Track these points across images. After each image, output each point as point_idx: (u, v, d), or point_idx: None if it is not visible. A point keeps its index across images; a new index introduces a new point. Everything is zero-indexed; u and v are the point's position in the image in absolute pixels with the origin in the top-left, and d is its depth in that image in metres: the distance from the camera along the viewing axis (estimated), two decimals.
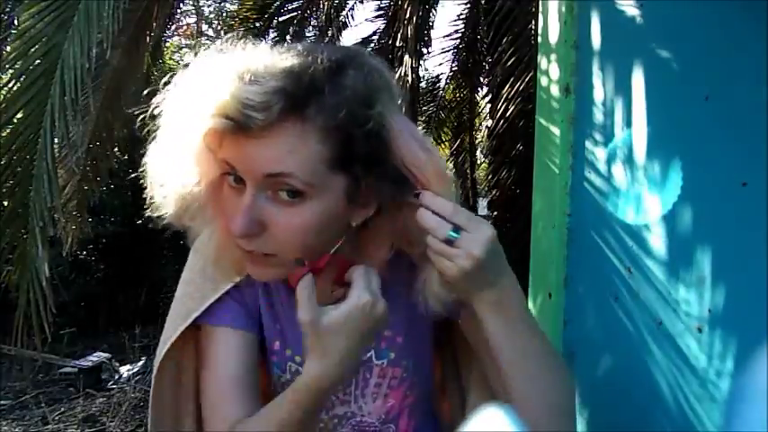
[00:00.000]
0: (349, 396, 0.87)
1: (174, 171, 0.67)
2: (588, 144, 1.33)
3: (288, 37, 5.47)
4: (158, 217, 0.71)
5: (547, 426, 0.73)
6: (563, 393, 0.77)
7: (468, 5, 5.65)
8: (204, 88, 0.61)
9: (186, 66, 0.66)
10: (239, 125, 0.59)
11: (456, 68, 6.31)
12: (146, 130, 0.68)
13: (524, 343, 0.72)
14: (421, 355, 0.88)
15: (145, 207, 0.72)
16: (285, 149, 0.61)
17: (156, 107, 0.67)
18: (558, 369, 0.77)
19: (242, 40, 0.67)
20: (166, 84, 0.67)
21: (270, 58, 0.62)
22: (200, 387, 0.83)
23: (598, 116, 1.31)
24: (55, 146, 2.59)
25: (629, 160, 1.22)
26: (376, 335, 0.82)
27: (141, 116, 0.68)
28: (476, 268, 0.65)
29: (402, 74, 4.00)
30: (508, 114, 3.93)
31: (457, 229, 0.65)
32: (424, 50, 5.21)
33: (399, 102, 0.69)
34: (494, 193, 4.50)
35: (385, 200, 0.69)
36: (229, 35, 0.67)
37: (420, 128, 6.60)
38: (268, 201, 0.64)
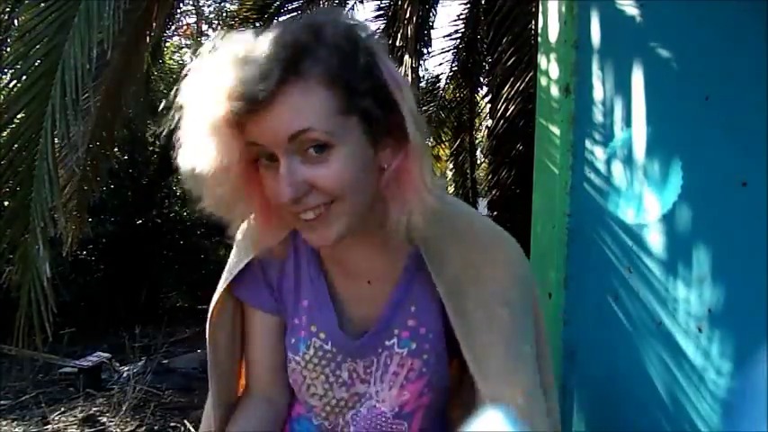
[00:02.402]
0: (369, 376, 0.89)
1: (203, 164, 0.70)
2: (588, 144, 1.34)
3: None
4: (199, 209, 0.75)
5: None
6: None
7: (468, 5, 5.65)
8: (208, 80, 0.66)
9: (190, 62, 0.71)
10: (247, 101, 0.64)
11: (456, 68, 6.30)
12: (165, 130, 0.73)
13: None
14: (441, 352, 0.88)
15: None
16: (296, 108, 0.65)
17: (174, 111, 0.71)
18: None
19: (230, 32, 0.71)
20: (175, 83, 0.71)
21: (255, 38, 0.67)
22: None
23: (598, 116, 1.31)
24: (55, 146, 2.59)
25: (629, 160, 1.23)
26: (400, 323, 0.85)
27: (165, 126, 0.72)
28: None
29: (402, 74, 4.00)
30: (508, 114, 3.93)
31: None
32: (424, 50, 5.21)
33: (380, 45, 0.72)
34: (494, 193, 4.49)
35: (404, 140, 0.72)
36: (218, 32, 0.72)
37: None
38: (302, 163, 0.68)
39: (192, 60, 0.71)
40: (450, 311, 0.79)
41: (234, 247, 0.90)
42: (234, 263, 0.89)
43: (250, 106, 0.64)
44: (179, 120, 0.71)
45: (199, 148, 0.69)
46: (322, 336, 0.87)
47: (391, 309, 0.85)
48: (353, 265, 0.85)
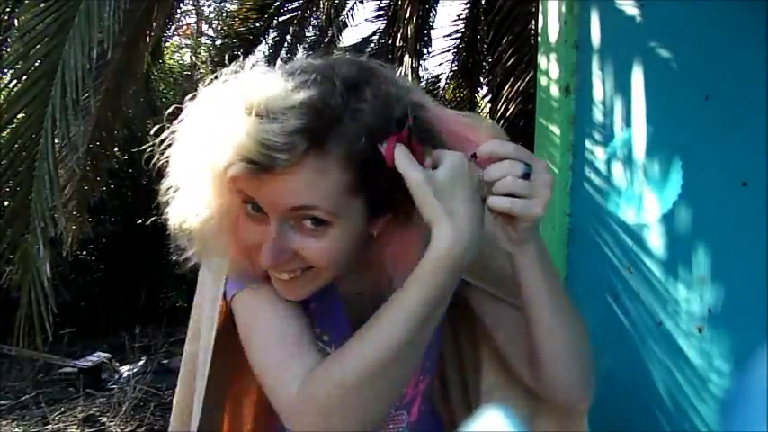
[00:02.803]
0: None
1: (193, 211, 0.66)
2: (588, 144, 1.34)
3: (288, 37, 5.48)
4: (185, 260, 0.71)
5: (577, 382, 0.82)
6: (588, 349, 0.83)
7: (468, 5, 5.65)
8: (220, 128, 0.59)
9: (193, 98, 0.64)
10: (262, 166, 0.59)
11: (456, 68, 6.30)
12: (153, 161, 0.67)
13: (559, 297, 0.75)
14: (436, 336, 0.88)
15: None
16: (308, 184, 0.61)
17: (165, 140, 0.66)
18: (581, 323, 0.81)
19: (246, 64, 0.65)
20: (172, 116, 0.66)
21: (283, 88, 0.60)
22: (251, 363, 0.73)
23: (598, 116, 1.31)
24: (55, 146, 2.59)
25: (629, 160, 1.23)
26: None
27: (150, 148, 0.67)
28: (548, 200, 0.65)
29: (402, 74, 4.00)
30: (508, 114, 3.93)
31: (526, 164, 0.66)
32: (424, 50, 5.21)
33: (414, 96, 0.68)
34: None
35: (399, 204, 0.68)
36: (234, 64, 0.65)
37: None
38: (292, 229, 0.65)
39: (198, 84, 0.64)
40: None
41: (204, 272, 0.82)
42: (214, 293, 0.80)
43: (263, 172, 0.59)
44: (177, 150, 0.65)
45: (195, 199, 0.65)
46: (325, 338, 0.86)
47: None
48: (358, 289, 0.84)
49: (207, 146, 0.60)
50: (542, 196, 0.65)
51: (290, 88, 0.60)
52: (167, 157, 0.66)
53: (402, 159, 0.62)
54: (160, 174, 0.68)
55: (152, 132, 0.67)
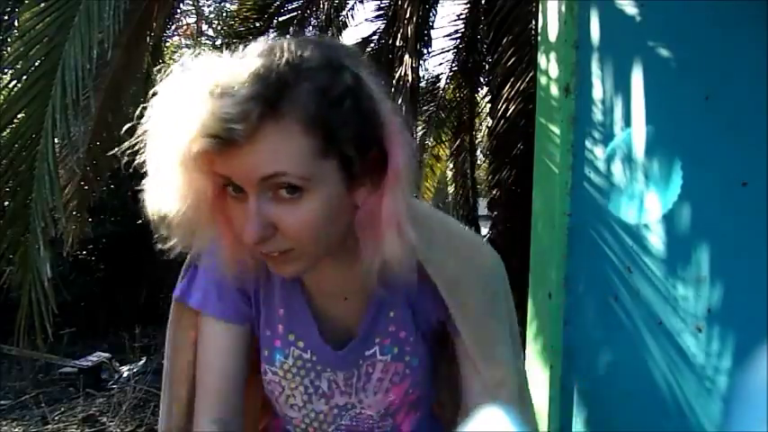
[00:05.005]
0: (350, 388, 0.87)
1: (172, 199, 0.67)
2: (588, 144, 1.34)
3: (288, 37, 5.48)
4: (169, 249, 0.72)
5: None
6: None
7: (468, 5, 5.65)
8: (179, 112, 0.61)
9: (155, 94, 0.66)
10: (222, 140, 0.60)
11: (456, 68, 6.30)
12: (133, 162, 0.69)
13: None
14: (424, 353, 0.88)
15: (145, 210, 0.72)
16: (271, 150, 0.62)
17: (138, 139, 0.67)
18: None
19: (200, 53, 0.67)
20: (141, 116, 0.67)
21: (233, 66, 0.62)
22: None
23: (598, 116, 1.31)
24: (56, 146, 2.59)
25: (629, 159, 1.23)
26: (381, 331, 0.84)
27: (129, 149, 0.68)
28: None
29: (402, 74, 4.00)
30: (508, 114, 3.92)
31: None
32: (424, 50, 5.21)
33: (364, 66, 0.69)
34: (494, 192, 4.49)
35: (382, 177, 0.68)
36: (189, 51, 0.67)
37: (420, 128, 6.61)
38: (271, 202, 0.65)
39: (167, 76, 0.66)
40: (452, 305, 0.80)
41: (189, 262, 0.86)
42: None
43: (224, 146, 0.60)
44: (145, 146, 0.66)
45: (167, 187, 0.66)
46: (300, 344, 0.86)
47: (371, 318, 0.84)
48: (328, 284, 0.84)
49: (172, 130, 0.62)
50: None
51: (237, 63, 0.62)
52: (142, 154, 0.68)
53: None
54: (138, 172, 0.69)
55: (122, 131, 0.69)
